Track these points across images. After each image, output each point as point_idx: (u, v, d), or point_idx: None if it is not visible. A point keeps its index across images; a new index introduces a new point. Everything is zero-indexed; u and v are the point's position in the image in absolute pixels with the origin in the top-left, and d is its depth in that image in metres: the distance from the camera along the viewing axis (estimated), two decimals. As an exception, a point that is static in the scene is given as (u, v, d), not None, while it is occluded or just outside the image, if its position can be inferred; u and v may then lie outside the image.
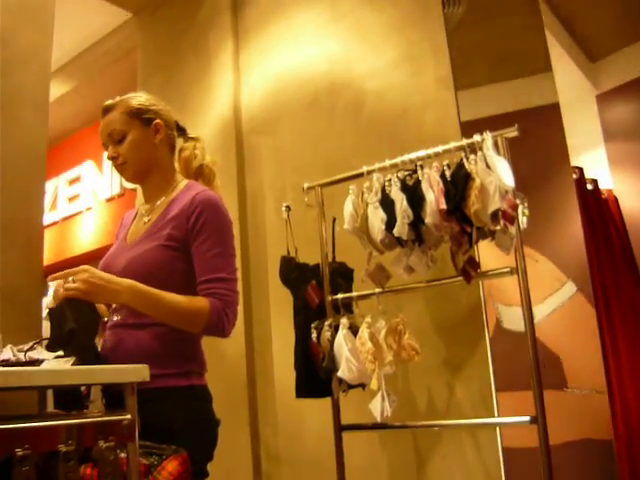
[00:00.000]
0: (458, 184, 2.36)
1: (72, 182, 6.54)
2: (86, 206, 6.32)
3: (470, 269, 2.50)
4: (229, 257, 1.83)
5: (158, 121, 1.97)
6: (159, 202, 1.95)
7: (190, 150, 2.06)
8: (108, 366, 1.61)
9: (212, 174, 2.08)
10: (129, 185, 5.61)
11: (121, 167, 1.93)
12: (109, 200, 6.04)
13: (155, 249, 1.81)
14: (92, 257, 5.73)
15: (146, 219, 1.94)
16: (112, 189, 5.98)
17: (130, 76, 4.56)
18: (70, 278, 1.64)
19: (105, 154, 1.98)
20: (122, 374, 1.47)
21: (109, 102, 1.96)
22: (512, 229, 2.37)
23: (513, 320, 3.02)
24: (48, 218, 6.41)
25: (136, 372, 1.48)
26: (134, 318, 1.76)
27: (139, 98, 1.98)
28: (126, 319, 1.79)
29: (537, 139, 3.96)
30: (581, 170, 4.47)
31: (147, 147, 1.94)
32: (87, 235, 6.23)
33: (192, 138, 2.10)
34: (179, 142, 2.06)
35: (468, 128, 2.97)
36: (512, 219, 2.33)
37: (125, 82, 4.78)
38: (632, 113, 5.20)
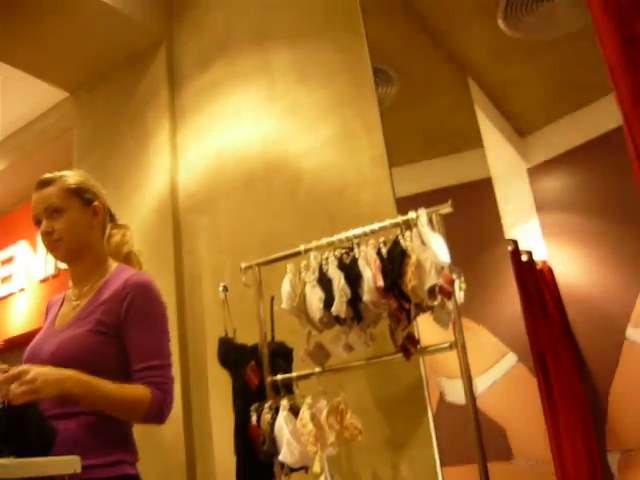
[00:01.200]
0: (395, 261, 2.38)
1: (5, 262, 6.38)
2: (19, 287, 6.15)
3: (409, 345, 2.49)
4: (163, 343, 1.80)
5: (97, 203, 1.94)
6: (89, 286, 1.90)
7: (120, 236, 2.03)
8: (39, 458, 1.53)
9: (139, 263, 2.04)
10: (64, 265, 5.49)
11: (55, 244, 1.86)
12: (43, 281, 5.90)
13: (85, 334, 1.75)
14: (26, 339, 5.51)
15: (75, 303, 1.88)
16: (46, 270, 5.85)
17: (66, 155, 4.53)
18: (15, 382, 1.53)
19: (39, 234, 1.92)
20: (53, 466, 1.40)
21: (48, 176, 1.91)
22: (449, 304, 2.39)
23: (456, 393, 3.01)
24: (-21, 299, 6.22)
25: (67, 464, 1.41)
26: (59, 408, 1.68)
27: (80, 177, 1.95)
28: (51, 410, 1.70)
29: (472, 213, 4.04)
30: (516, 242, 4.56)
31: (83, 228, 1.90)
32: (20, 317, 6.04)
33: (121, 225, 2.07)
34: (108, 228, 2.03)
35: (404, 204, 3.01)
36: (449, 294, 2.34)
37: (61, 161, 4.73)
38: (562, 185, 5.36)
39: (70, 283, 1.99)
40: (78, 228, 1.88)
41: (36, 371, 1.57)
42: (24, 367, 1.59)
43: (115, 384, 1.67)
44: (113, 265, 1.95)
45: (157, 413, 1.70)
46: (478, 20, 4.25)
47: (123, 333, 1.75)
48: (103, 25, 4.01)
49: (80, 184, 1.92)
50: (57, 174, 1.92)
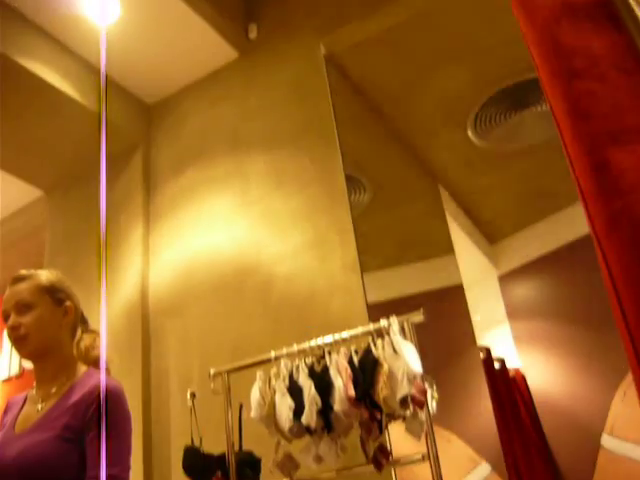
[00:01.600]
0: (366, 370, 2.36)
1: (-33, 362, 6.20)
2: (-19, 387, 5.96)
3: (381, 457, 2.43)
4: (124, 453, 1.72)
5: (69, 304, 1.91)
6: (55, 388, 1.83)
7: (90, 340, 1.99)
8: None
9: (108, 370, 1.99)
10: (29, 365, 5.36)
11: (21, 340, 1.81)
12: (6, 381, 5.74)
13: (50, 441, 1.68)
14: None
15: (39, 406, 1.81)
16: (10, 369, 5.70)
17: (36, 255, 4.49)
18: None
19: (4, 333, 1.87)
20: None
21: (23, 272, 1.89)
22: (422, 414, 2.35)
23: (428, 506, 2.93)
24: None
25: None
26: None
27: (55, 276, 1.93)
28: None
29: (443, 319, 4.05)
30: (488, 350, 4.56)
31: (52, 326, 1.85)
32: (-20, 419, 5.82)
33: (93, 330, 2.03)
34: (78, 331, 1.99)
35: (375, 310, 3.01)
36: (421, 404, 2.32)
37: (31, 261, 4.68)
38: (532, 292, 5.42)
39: (34, 383, 1.93)
40: (46, 326, 1.84)
41: None
42: None
43: None
44: (82, 369, 1.90)
45: None
46: (448, 131, 4.39)
47: (84, 438, 1.69)
48: (81, 126, 4.06)
49: (54, 283, 1.90)
50: (32, 271, 1.91)
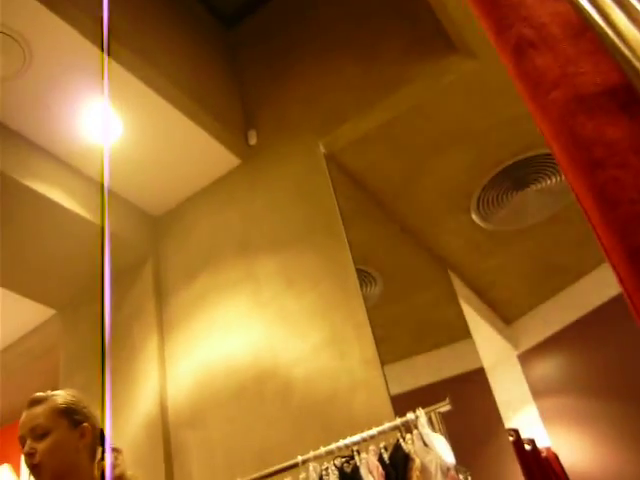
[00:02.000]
0: (398, 466, 2.32)
1: (-14, 491, 6.07)
2: (1, 517, 5.81)
3: None
4: None
5: (86, 425, 1.87)
6: None
7: (112, 460, 1.95)
8: None
9: None
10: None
11: (36, 468, 1.77)
12: (27, 508, 5.59)
13: None
14: None
15: None
16: (30, 496, 5.56)
17: (51, 374, 4.46)
18: None
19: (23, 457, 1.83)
20: None
21: (39, 394, 1.86)
22: (459, 508, 2.29)
23: None
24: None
25: None
26: None
27: (72, 397, 1.90)
28: None
29: (468, 404, 3.99)
30: (517, 432, 4.47)
31: (68, 450, 1.81)
32: None
33: (114, 449, 2.00)
34: (99, 451, 1.95)
35: (398, 402, 2.97)
36: (458, 497, 2.25)
37: (46, 381, 4.65)
38: (553, 368, 5.36)
39: None
40: (62, 451, 1.80)
41: None
42: None
43: None
44: None
45: None
46: (453, 216, 4.44)
47: None
48: (89, 242, 4.09)
49: (70, 404, 1.87)
50: (49, 393, 1.88)
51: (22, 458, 1.89)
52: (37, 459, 1.76)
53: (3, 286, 4.34)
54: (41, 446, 1.77)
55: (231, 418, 3.49)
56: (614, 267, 0.78)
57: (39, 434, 1.78)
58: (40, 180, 3.72)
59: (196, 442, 3.59)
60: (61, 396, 1.88)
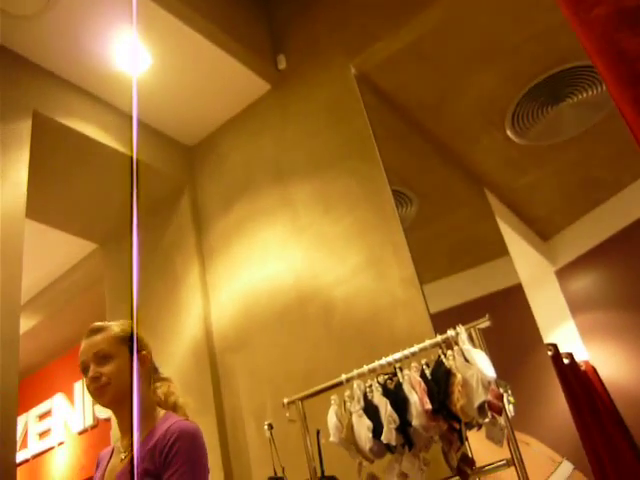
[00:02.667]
0: (440, 382, 2.36)
1: (42, 417, 6.34)
2: (58, 441, 6.07)
3: (465, 467, 2.42)
4: None
5: (145, 353, 1.95)
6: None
7: (166, 387, 2.03)
8: None
9: (186, 415, 2.02)
10: (102, 415, 5.45)
11: (102, 388, 1.83)
12: (82, 433, 5.83)
13: None
14: (67, 495, 5.45)
15: (122, 455, 1.85)
16: (85, 421, 5.79)
17: (97, 306, 4.58)
18: None
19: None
20: None
21: (98, 324, 1.93)
22: (501, 420, 2.34)
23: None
24: (18, 457, 6.12)
25: None
26: None
27: (128, 326, 1.96)
28: None
29: (507, 321, 4.02)
30: (555, 346, 4.51)
31: (129, 375, 1.87)
32: (60, 471, 5.94)
33: (165, 378, 2.07)
34: (152, 379, 2.03)
35: (438, 320, 3.01)
36: (499, 410, 2.30)
37: (92, 313, 4.80)
38: (592, 283, 5.35)
39: (118, 434, 1.97)
40: (125, 375, 1.86)
41: None
42: None
43: None
44: (161, 413, 1.93)
45: None
46: (488, 133, 4.38)
47: (162, 478, 1.71)
48: (126, 177, 4.15)
49: (129, 333, 1.94)
50: (107, 323, 1.95)
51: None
52: (104, 380, 1.83)
53: (45, 223, 4.43)
54: (106, 370, 1.83)
55: (275, 341, 3.58)
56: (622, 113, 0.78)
57: (103, 359, 1.85)
58: (74, 117, 3.75)
59: (242, 366, 3.70)
60: (119, 325, 1.95)
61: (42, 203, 4.17)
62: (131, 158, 4.01)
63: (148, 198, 4.41)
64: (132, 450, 1.83)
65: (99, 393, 1.85)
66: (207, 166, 4.36)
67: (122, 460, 1.84)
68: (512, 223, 4.92)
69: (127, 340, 1.92)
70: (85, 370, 1.87)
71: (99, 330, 1.91)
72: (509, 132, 4.36)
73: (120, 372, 1.86)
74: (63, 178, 4.08)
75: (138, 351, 1.93)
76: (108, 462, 1.93)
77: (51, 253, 5.14)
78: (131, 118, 4.11)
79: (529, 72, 3.99)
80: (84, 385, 5.87)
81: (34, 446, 6.33)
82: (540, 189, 4.97)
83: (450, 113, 4.14)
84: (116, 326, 1.94)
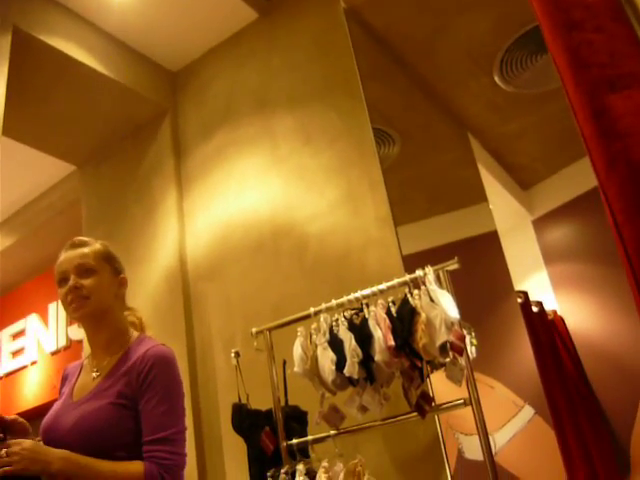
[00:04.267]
0: (404, 319, 2.39)
1: (16, 336, 6.38)
2: (31, 360, 6.13)
3: (424, 404, 2.47)
4: (176, 416, 1.77)
5: (124, 276, 1.96)
6: (109, 357, 1.88)
7: (135, 314, 2.05)
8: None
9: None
10: (75, 337, 5.50)
11: (82, 300, 1.83)
12: (55, 353, 5.89)
13: (106, 407, 1.73)
14: (38, 412, 5.50)
15: (95, 374, 1.86)
16: (58, 342, 5.84)
17: (74, 228, 4.55)
18: (3, 451, 1.57)
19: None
20: None
21: (82, 238, 1.93)
22: (461, 360, 2.38)
23: (475, 450, 2.97)
24: (-9, 374, 6.22)
25: None
26: None
27: (110, 247, 1.97)
28: None
29: (479, 267, 4.05)
30: (526, 294, 4.55)
31: (110, 293, 1.90)
32: (32, 390, 6.01)
33: (131, 307, 2.08)
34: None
35: (410, 261, 3.03)
36: (460, 350, 2.34)
37: (68, 234, 4.73)
38: (567, 235, 5.37)
39: (88, 353, 1.98)
40: (106, 292, 1.88)
41: (25, 446, 1.59)
42: (16, 440, 1.61)
43: (108, 463, 1.66)
44: (134, 334, 1.94)
45: None
46: (475, 77, 4.32)
47: (138, 404, 1.74)
48: (108, 99, 4.10)
49: (111, 253, 1.95)
50: (90, 239, 1.94)
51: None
52: (84, 292, 1.83)
53: (23, 142, 4.38)
54: (88, 282, 1.84)
55: (248, 272, 3.60)
56: (580, 126, 0.79)
57: (85, 272, 1.85)
58: (57, 36, 3.68)
59: (214, 294, 3.73)
60: (102, 244, 1.95)
61: (21, 121, 4.12)
62: (123, 83, 3.98)
63: (129, 123, 4.37)
64: (106, 370, 1.85)
65: (77, 305, 1.84)
66: (190, 92, 4.31)
67: (94, 379, 1.86)
68: (493, 170, 4.91)
69: (109, 259, 1.93)
70: (64, 281, 1.86)
71: (82, 244, 1.91)
72: (497, 78, 4.31)
73: (101, 287, 1.86)
74: (43, 97, 4.02)
75: (119, 272, 1.95)
76: (76, 379, 1.94)
77: (29, 173, 5.09)
78: (116, 41, 4.04)
79: (520, 19, 3.92)
80: (58, 306, 5.90)
81: (7, 364, 6.39)
82: (524, 137, 4.94)
83: (438, 54, 4.08)
84: (99, 243, 1.94)
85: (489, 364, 3.53)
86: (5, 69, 3.24)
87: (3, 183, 3.04)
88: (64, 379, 2.04)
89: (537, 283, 5.19)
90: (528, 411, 3.75)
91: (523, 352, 4.21)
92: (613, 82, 0.83)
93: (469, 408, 2.41)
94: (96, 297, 1.85)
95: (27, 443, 1.60)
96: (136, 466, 1.67)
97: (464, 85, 4.38)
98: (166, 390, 1.76)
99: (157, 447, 1.69)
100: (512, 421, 3.61)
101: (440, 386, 2.67)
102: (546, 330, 4.71)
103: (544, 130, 4.93)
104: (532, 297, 4.69)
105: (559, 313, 5.03)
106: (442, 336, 2.30)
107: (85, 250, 1.88)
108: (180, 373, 1.85)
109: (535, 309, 4.72)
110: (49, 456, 1.61)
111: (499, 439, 3.29)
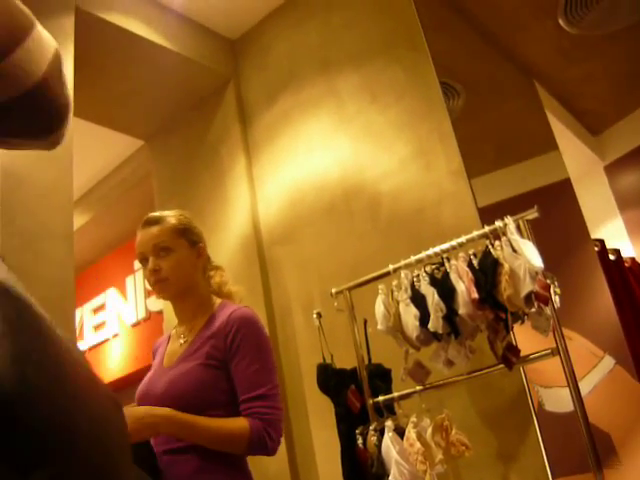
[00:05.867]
0: (487, 271, 2.36)
1: (97, 310, 6.58)
2: (112, 333, 6.32)
3: (510, 355, 2.45)
4: (268, 373, 1.80)
5: (202, 244, 1.99)
6: (195, 323, 1.93)
7: (219, 277, 2.07)
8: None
9: (241, 301, 2.07)
10: (154, 308, 5.63)
11: (162, 283, 1.88)
12: (135, 325, 6.04)
13: (196, 368, 1.78)
14: (123, 384, 5.68)
15: (182, 340, 1.92)
16: (137, 314, 5.99)
17: (147, 202, 4.65)
18: None
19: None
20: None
21: (155, 215, 1.95)
22: (547, 310, 2.36)
23: (555, 402, 2.95)
24: (76, 349, 6.41)
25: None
26: (169, 444, 1.72)
27: (186, 218, 1.98)
28: (161, 446, 1.74)
29: (553, 216, 3.97)
30: (602, 242, 4.46)
31: (190, 267, 1.93)
32: (115, 362, 6.20)
33: (217, 266, 2.11)
34: (207, 269, 2.07)
35: (485, 214, 2.99)
36: (546, 300, 2.31)
37: (142, 208, 4.82)
38: (640, 179, 5.24)
39: (175, 324, 2.04)
40: (184, 268, 1.91)
41: (129, 415, 1.59)
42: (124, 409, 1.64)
43: (212, 420, 1.70)
44: (217, 301, 1.98)
45: (258, 445, 1.70)
46: (538, 21, 4.21)
47: (229, 366, 1.78)
48: (171, 72, 4.13)
49: (186, 224, 1.96)
50: (164, 213, 1.96)
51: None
52: (163, 274, 1.87)
53: (91, 120, 4.45)
54: (165, 263, 1.87)
55: (322, 234, 3.61)
56: None
57: (162, 252, 1.88)
58: (117, 12, 3.70)
59: (289, 259, 3.75)
60: (175, 217, 1.96)
61: (88, 101, 4.17)
62: (184, 55, 4.00)
63: (193, 94, 4.40)
64: (192, 335, 1.90)
65: (160, 287, 1.90)
66: (251, 59, 4.30)
67: (182, 344, 1.91)
68: (561, 117, 4.79)
69: (184, 232, 1.94)
70: (144, 261, 1.91)
71: (157, 221, 1.93)
72: (561, 20, 4.18)
73: (179, 266, 1.90)
74: (108, 75, 4.07)
75: (195, 243, 1.97)
76: (166, 348, 2.00)
77: (99, 151, 5.19)
78: (174, 12, 4.05)
79: (585, -43, 3.79)
80: (136, 279, 6.04)
81: (90, 338, 6.59)
82: (592, 81, 4.80)
83: (500, 0, 3.98)
84: (173, 217, 1.96)
85: (567, 315, 3.46)
86: (71, 51, 3.28)
87: (76, 162, 3.10)
88: (154, 352, 2.09)
89: (613, 230, 5.09)
90: (608, 361, 3.70)
91: (601, 302, 4.14)
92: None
93: (550, 360, 2.39)
94: (175, 276, 1.88)
95: (129, 411, 1.62)
96: (241, 422, 1.70)
97: (527, 30, 4.26)
98: (256, 349, 1.80)
99: (257, 403, 1.73)
100: (592, 372, 3.56)
101: (520, 338, 2.65)
102: (624, 278, 4.61)
103: (612, 73, 4.78)
104: (608, 245, 4.59)
105: (637, 259, 4.92)
106: (527, 286, 2.27)
107: (158, 228, 1.90)
108: (266, 331, 1.89)
109: (612, 257, 4.62)
110: (155, 417, 1.64)
111: (581, 391, 3.26)
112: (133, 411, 1.64)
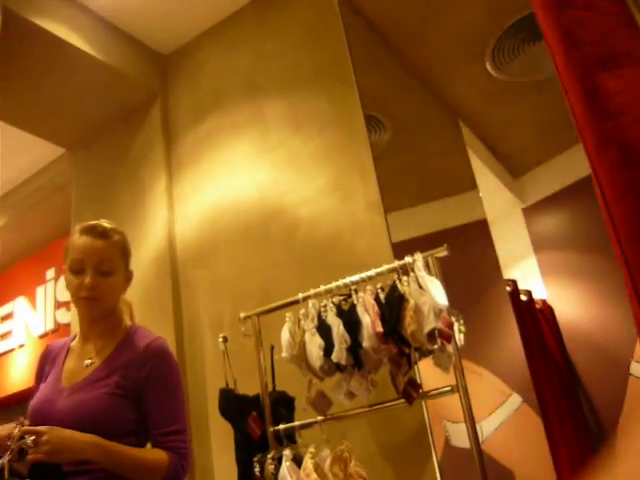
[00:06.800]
0: (393, 306, 2.38)
1: (4, 319, 6.35)
2: (19, 343, 6.11)
3: (411, 390, 2.47)
4: (181, 407, 1.84)
5: (131, 269, 1.96)
6: (101, 344, 1.88)
7: (124, 299, 2.05)
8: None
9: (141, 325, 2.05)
10: (63, 320, 5.48)
11: (95, 301, 1.83)
12: (42, 336, 5.86)
13: (104, 396, 1.75)
14: (25, 395, 5.49)
15: (88, 361, 1.86)
16: (46, 325, 5.82)
17: (62, 212, 4.55)
18: (30, 439, 1.56)
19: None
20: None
21: (102, 225, 1.88)
22: (450, 347, 2.38)
23: (462, 437, 2.98)
24: (-20, 356, 6.19)
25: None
26: (74, 466, 1.65)
27: (125, 237, 1.94)
28: (66, 466, 1.68)
29: (469, 255, 4.05)
30: (515, 282, 4.57)
31: (120, 291, 1.92)
32: (20, 373, 6.00)
33: None
34: None
35: (400, 248, 3.02)
36: (449, 337, 2.34)
37: (57, 218, 4.78)
38: (558, 224, 5.39)
39: (77, 335, 1.97)
40: (117, 292, 1.90)
41: (54, 434, 1.58)
42: (44, 428, 1.59)
43: (135, 449, 1.72)
44: (127, 323, 1.96)
45: (174, 476, 1.73)
46: (467, 65, 4.32)
47: (143, 398, 1.78)
48: (99, 82, 4.07)
49: (127, 246, 1.93)
50: (107, 227, 1.88)
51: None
52: (99, 293, 1.82)
53: (14, 124, 4.34)
54: (105, 283, 1.83)
55: (237, 256, 3.59)
56: (570, 105, 0.79)
57: (105, 271, 1.83)
58: (47, 18, 3.64)
59: (203, 279, 3.72)
60: (120, 234, 1.91)
61: (9, 104, 4.08)
62: (113, 65, 3.94)
63: (119, 105, 4.34)
64: (101, 358, 1.85)
65: (88, 304, 1.84)
66: (181, 76, 4.28)
67: (87, 366, 1.85)
68: (484, 158, 4.91)
69: (126, 254, 1.92)
70: (80, 270, 1.83)
71: (103, 234, 1.86)
72: (489, 66, 4.31)
73: (115, 288, 1.88)
74: (33, 79, 3.98)
75: (128, 266, 1.94)
76: (64, 362, 1.93)
77: (18, 155, 5.05)
78: (105, 22, 4.00)
79: (513, 7, 3.91)
80: (46, 290, 5.85)
81: (-5, 346, 6.37)
82: (515, 126, 4.94)
83: (431, 42, 4.06)
84: (117, 234, 1.90)
85: (477, 352, 3.54)
86: (-6, 48, 3.21)
87: (-10, 166, 3.01)
88: (45, 357, 2.01)
89: (526, 271, 5.21)
90: (515, 399, 3.77)
91: (511, 340, 4.22)
92: (605, 61, 0.83)
93: (456, 396, 2.41)
94: (108, 298, 1.86)
95: (55, 431, 1.60)
96: (159, 453, 1.73)
97: (456, 73, 4.37)
98: (172, 384, 1.83)
99: (172, 437, 1.77)
100: (499, 409, 3.63)
101: (428, 374, 2.68)
102: (534, 319, 4.72)
103: (535, 119, 4.93)
104: (521, 285, 4.71)
105: (547, 301, 5.05)
106: (430, 323, 2.30)
107: (106, 244, 1.84)
108: (178, 365, 1.91)
109: (524, 298, 4.73)
110: (82, 443, 1.62)
111: (486, 427, 3.30)
112: (58, 431, 1.61)
